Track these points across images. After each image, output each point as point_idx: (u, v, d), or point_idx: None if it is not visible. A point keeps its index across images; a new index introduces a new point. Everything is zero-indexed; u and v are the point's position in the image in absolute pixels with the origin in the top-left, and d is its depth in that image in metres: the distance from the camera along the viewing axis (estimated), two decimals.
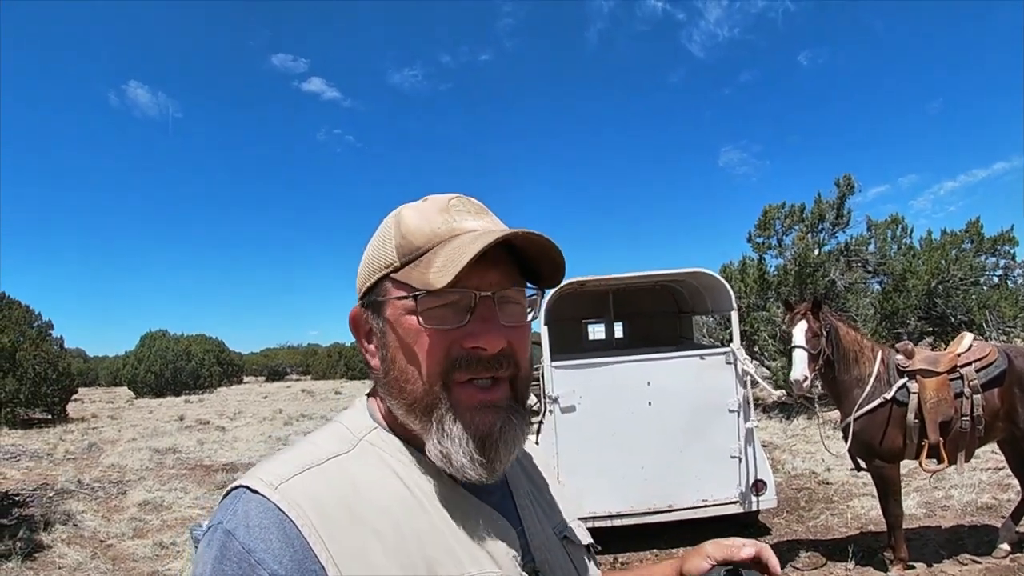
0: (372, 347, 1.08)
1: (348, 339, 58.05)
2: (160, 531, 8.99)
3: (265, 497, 0.89)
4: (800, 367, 5.89)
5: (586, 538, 1.24)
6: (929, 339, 15.24)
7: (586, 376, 7.04)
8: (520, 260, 1.07)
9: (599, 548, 1.28)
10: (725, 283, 7.61)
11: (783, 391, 6.61)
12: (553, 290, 7.50)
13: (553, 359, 7.14)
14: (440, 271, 0.95)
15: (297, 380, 55.92)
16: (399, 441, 1.04)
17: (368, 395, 1.15)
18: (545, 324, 7.30)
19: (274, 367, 61.47)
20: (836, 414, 9.71)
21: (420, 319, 0.98)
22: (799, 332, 5.99)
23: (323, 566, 0.86)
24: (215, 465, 13.70)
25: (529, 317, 1.08)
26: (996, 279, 16.83)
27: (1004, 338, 14.26)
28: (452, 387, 0.99)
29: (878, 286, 16.43)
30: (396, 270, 1.02)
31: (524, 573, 1.02)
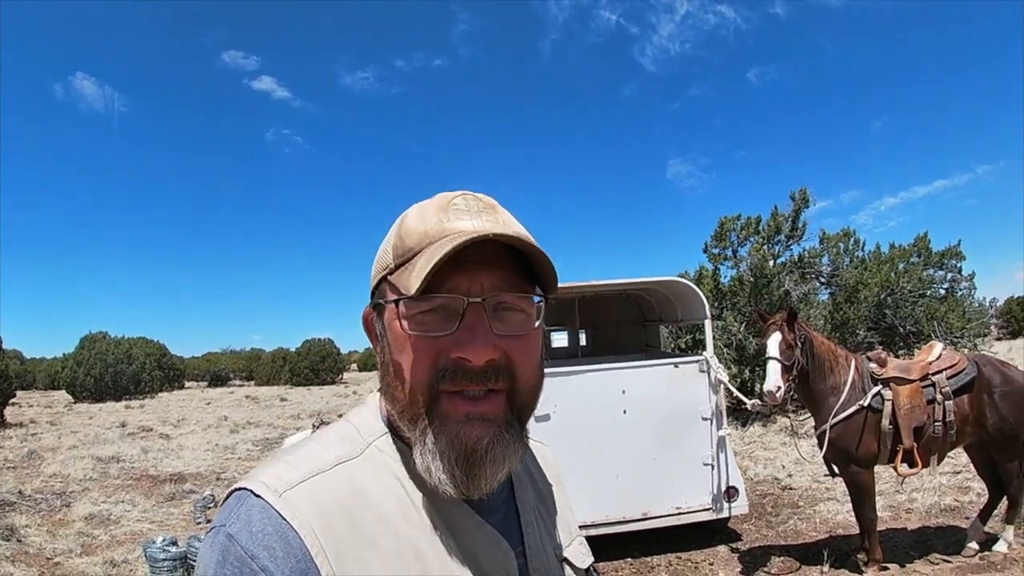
0: (378, 349, 1.04)
1: (292, 344, 57.40)
2: (110, 547, 8.65)
3: (268, 503, 0.87)
4: (774, 378, 5.97)
5: (586, 560, 1.22)
6: (878, 349, 15.57)
7: (561, 384, 7.04)
8: (527, 264, 1.00)
9: (596, 570, 1.26)
10: (699, 291, 7.71)
11: (756, 400, 6.67)
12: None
13: None
14: (416, 275, 0.90)
15: (240, 386, 54.90)
16: (407, 448, 0.98)
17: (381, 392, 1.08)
18: None
19: (216, 372, 60.31)
20: (786, 422, 9.92)
21: (404, 324, 0.94)
22: (773, 343, 6.07)
23: None
24: (162, 475, 13.36)
25: (536, 324, 1.01)
26: (943, 291, 17.28)
27: (951, 348, 14.60)
28: (440, 397, 0.94)
29: (827, 297, 16.75)
30: (391, 272, 0.99)
31: None
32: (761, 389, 6.23)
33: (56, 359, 51.28)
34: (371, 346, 1.07)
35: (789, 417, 7.18)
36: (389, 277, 0.99)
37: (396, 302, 0.95)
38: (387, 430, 1.03)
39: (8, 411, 24.80)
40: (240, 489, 0.91)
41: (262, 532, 0.85)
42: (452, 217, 0.97)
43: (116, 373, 40.21)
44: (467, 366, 0.92)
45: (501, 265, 0.96)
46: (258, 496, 0.88)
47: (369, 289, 1.07)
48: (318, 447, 0.98)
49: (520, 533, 1.07)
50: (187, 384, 56.18)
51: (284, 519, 0.86)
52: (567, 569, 1.15)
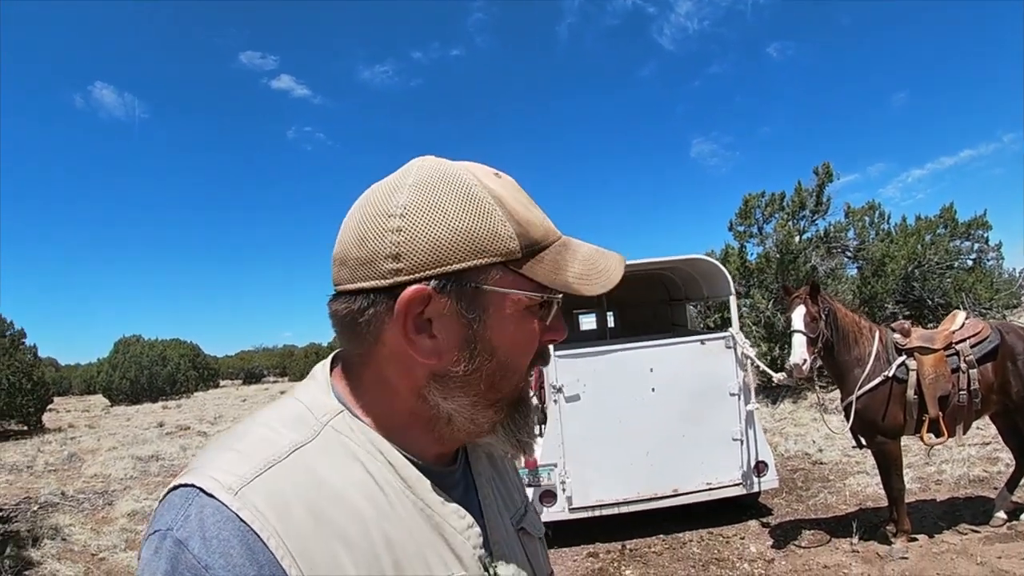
0: (426, 340, 0.90)
1: (324, 339, 57.70)
2: None
3: (223, 503, 0.78)
4: (799, 351, 6.01)
5: (540, 528, 1.23)
6: (901, 320, 15.41)
7: (589, 364, 7.14)
8: None
9: (551, 535, 1.30)
10: (723, 268, 7.77)
11: (783, 374, 6.70)
12: None
13: (555, 349, 7.17)
14: (584, 279, 0.93)
15: (275, 382, 55.30)
16: (369, 430, 0.94)
17: (332, 369, 1.02)
18: None
19: (251, 370, 60.82)
20: (816, 398, 9.92)
21: (539, 317, 0.94)
22: (797, 316, 6.10)
23: None
24: None
25: None
26: (970, 262, 17.07)
27: (975, 317, 14.49)
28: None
29: (856, 271, 16.64)
30: (518, 262, 0.91)
31: (485, 573, 0.98)
32: (787, 363, 6.25)
33: (91, 364, 51.55)
34: (406, 330, 0.89)
35: (816, 391, 7.17)
36: (512, 265, 0.91)
37: (550, 297, 0.93)
38: (342, 408, 0.95)
39: (46, 417, 25.04)
40: (185, 486, 0.82)
41: (218, 538, 0.76)
42: (533, 208, 0.97)
43: (151, 375, 40.32)
44: (548, 349, 1.00)
45: None
46: (210, 495, 0.79)
47: (438, 269, 0.88)
48: (268, 431, 0.90)
49: (479, 506, 1.05)
50: (222, 383, 56.52)
51: (243, 522, 0.77)
52: (524, 538, 1.15)
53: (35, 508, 10.51)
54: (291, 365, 56.79)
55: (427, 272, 0.87)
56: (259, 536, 0.77)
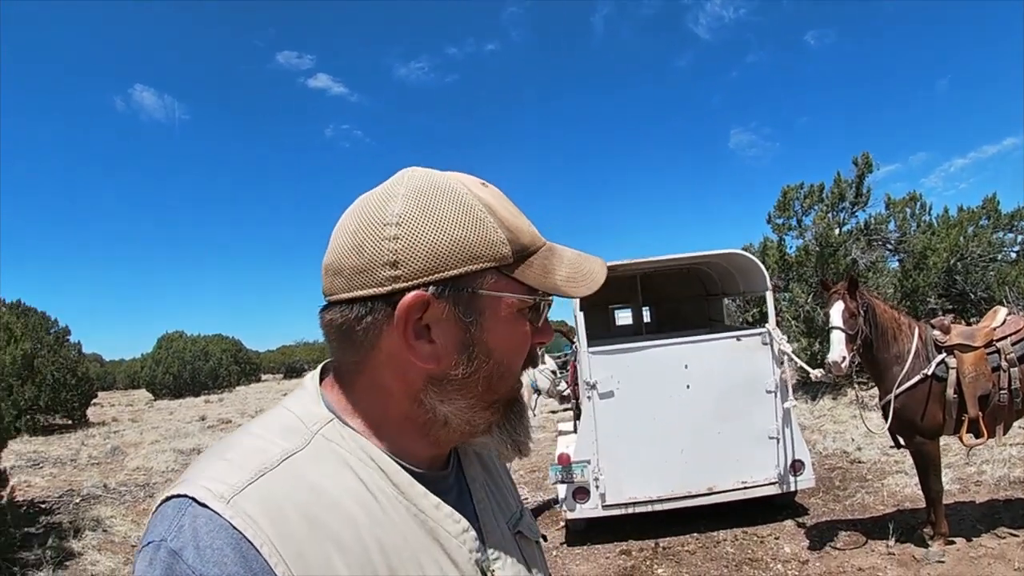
0: (424, 345, 0.92)
1: None
2: None
3: (216, 512, 0.78)
4: (838, 348, 5.90)
5: (536, 531, 1.23)
6: (941, 316, 15.16)
7: (624, 361, 7.09)
8: None
9: (546, 539, 1.31)
10: (759, 263, 7.66)
11: (821, 371, 6.60)
12: None
13: (589, 345, 7.16)
14: (572, 282, 0.98)
15: None
16: (360, 437, 0.94)
17: (321, 378, 1.03)
18: (580, 310, 7.30)
19: (291, 364, 61.12)
20: (861, 392, 9.78)
21: (530, 319, 0.98)
22: (836, 313, 5.99)
23: None
24: None
25: None
26: (1014, 255, 16.70)
27: (1017, 313, 14.20)
28: None
29: (897, 264, 16.40)
30: (509, 266, 0.94)
31: (481, 575, 0.99)
32: (826, 360, 6.15)
33: (135, 359, 52.61)
34: (406, 336, 0.90)
35: (855, 388, 7.05)
36: (505, 270, 0.94)
37: (540, 299, 0.98)
38: (332, 416, 0.95)
39: (91, 411, 25.51)
40: (178, 496, 0.82)
41: (211, 547, 0.77)
42: (520, 216, 1.00)
43: (194, 370, 41.01)
44: (536, 350, 1.03)
45: None
46: (202, 504, 0.79)
47: (434, 276, 0.90)
48: (259, 440, 0.90)
49: (474, 510, 1.06)
50: (263, 377, 57.19)
51: (236, 529, 0.78)
52: (520, 542, 1.14)
53: (78, 500, 10.67)
54: None
55: (425, 278, 0.89)
56: (252, 544, 0.77)
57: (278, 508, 0.81)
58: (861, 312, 5.94)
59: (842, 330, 5.92)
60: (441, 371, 0.93)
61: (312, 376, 1.03)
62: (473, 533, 1.00)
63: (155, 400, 37.75)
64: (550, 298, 0.99)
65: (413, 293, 0.89)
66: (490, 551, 1.03)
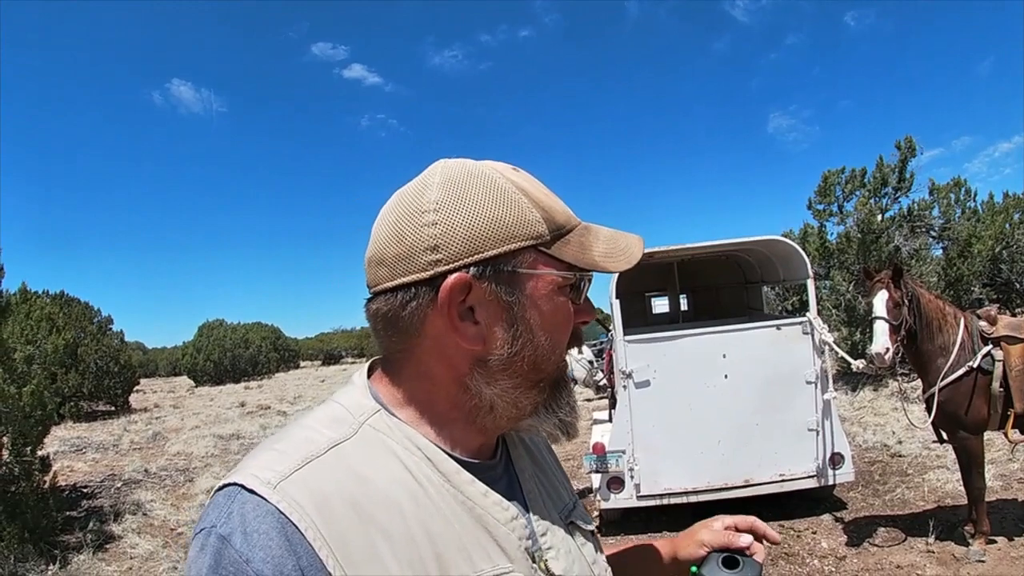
0: (470, 326, 0.93)
1: None
2: None
3: (263, 498, 0.81)
4: (881, 339, 5.72)
5: (590, 523, 1.21)
6: (988, 306, 14.85)
7: (660, 350, 6.98)
8: None
9: (602, 531, 1.24)
10: (799, 250, 7.48)
11: (862, 361, 6.45)
12: None
13: (625, 333, 7.06)
14: (610, 258, 0.99)
15: (352, 363, 56.03)
16: (406, 427, 0.96)
17: (369, 373, 1.05)
18: (616, 298, 7.22)
19: (330, 351, 61.92)
20: (898, 386, 9.57)
21: (571, 296, 0.99)
22: (879, 302, 5.80)
23: (330, 573, 0.79)
24: None
25: None
26: None
27: None
28: None
29: (940, 252, 16.08)
30: (546, 244, 0.96)
31: (534, 565, 0.98)
32: (868, 351, 5.97)
33: (177, 347, 53.35)
34: (451, 318, 0.92)
35: (898, 380, 6.86)
36: (541, 247, 0.96)
37: (580, 276, 0.99)
38: (380, 408, 0.97)
39: (133, 398, 25.88)
40: (229, 485, 0.84)
41: (258, 531, 0.78)
42: (553, 196, 1.02)
43: (234, 357, 41.51)
44: (580, 329, 1.04)
45: None
46: (251, 491, 0.81)
47: (475, 256, 0.92)
48: (307, 431, 0.92)
49: (523, 499, 1.06)
50: (302, 364, 57.87)
51: (282, 513, 0.79)
52: (574, 531, 1.13)
53: (119, 485, 10.89)
54: (368, 346, 57.02)
55: (465, 260, 0.91)
56: (298, 528, 0.79)
57: (323, 495, 0.83)
58: (905, 302, 5.76)
59: (886, 320, 5.74)
60: (486, 352, 0.95)
61: (360, 372, 1.05)
62: (523, 521, 1.00)
63: (196, 387, 38.24)
64: (590, 275, 1.00)
65: (455, 275, 0.90)
66: (541, 539, 1.03)
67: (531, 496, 1.07)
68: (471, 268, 0.91)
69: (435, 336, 0.94)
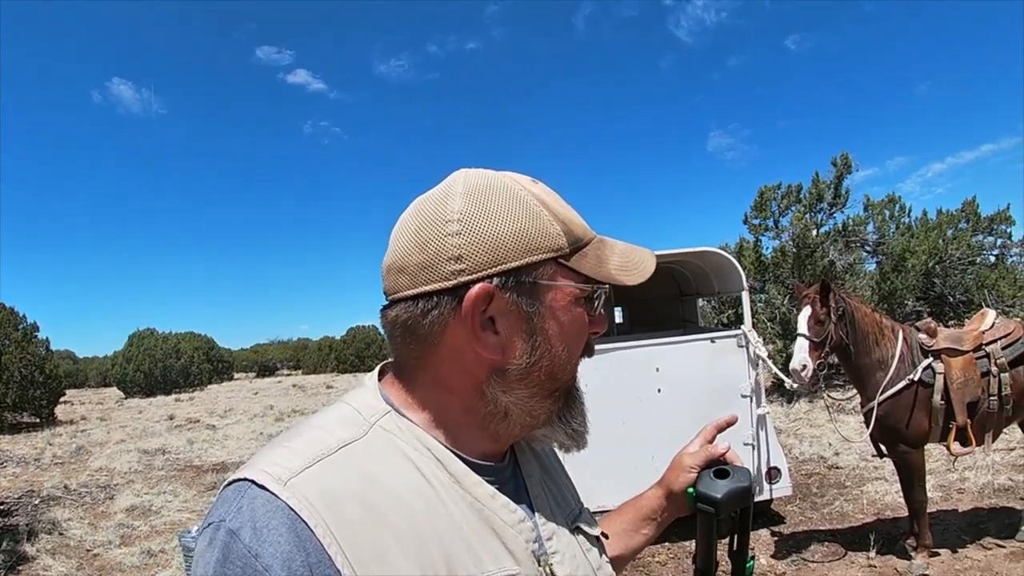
0: (492, 336, 0.94)
1: (338, 332, 58.14)
2: (148, 538, 8.72)
3: (273, 494, 0.80)
4: (800, 356, 5.74)
5: (596, 527, 1.21)
6: (927, 319, 15.16)
7: (592, 362, 6.51)
8: None
9: (608, 537, 1.26)
10: (735, 262, 7.37)
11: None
12: None
13: None
14: (624, 271, 1.00)
15: (288, 375, 55.41)
16: (417, 428, 0.96)
17: (380, 376, 1.05)
18: None
19: (264, 363, 61.18)
20: (839, 396, 9.56)
21: (586, 308, 0.99)
22: (803, 319, 5.81)
23: (339, 570, 0.78)
24: (205, 465, 13.46)
25: None
26: (993, 258, 16.75)
27: (1004, 316, 14.19)
28: None
29: (875, 266, 16.34)
30: (566, 256, 0.97)
31: (540, 567, 0.98)
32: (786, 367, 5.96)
33: (107, 357, 52.29)
34: (473, 327, 0.93)
35: (824, 397, 6.82)
36: (561, 259, 0.96)
37: (596, 288, 0.99)
38: (390, 409, 0.97)
39: (59, 409, 25.32)
40: (239, 480, 0.84)
41: (267, 527, 0.78)
42: (571, 209, 1.02)
43: (165, 368, 40.66)
44: (592, 340, 1.04)
45: None
46: (261, 486, 0.81)
47: (497, 268, 0.93)
48: (318, 431, 0.92)
49: (530, 503, 1.06)
50: (236, 375, 56.89)
51: (292, 509, 0.79)
52: (580, 536, 1.13)
53: (36, 502, 10.59)
54: (304, 358, 56.94)
55: (489, 271, 0.92)
56: (307, 524, 0.78)
57: (333, 492, 0.83)
58: (833, 318, 5.72)
59: (806, 337, 5.75)
60: (505, 361, 0.95)
61: (371, 375, 1.06)
62: (530, 524, 1.00)
63: (126, 399, 37.46)
64: (605, 287, 1.00)
65: (479, 285, 0.91)
66: (547, 543, 1.02)
67: (538, 500, 1.08)
68: (494, 279, 0.92)
69: (455, 345, 0.94)
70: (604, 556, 1.18)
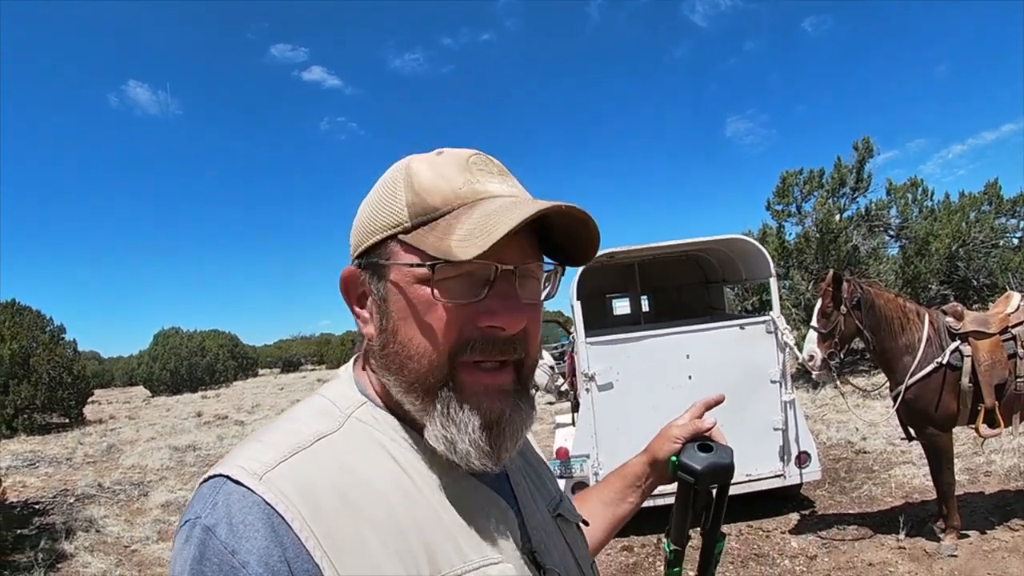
0: (365, 313, 0.98)
1: None
2: None
3: (249, 489, 0.79)
4: (808, 347, 6.07)
5: (578, 515, 1.22)
6: (953, 302, 15.06)
7: (623, 351, 6.88)
8: (542, 231, 0.98)
9: (588, 523, 1.27)
10: (762, 248, 7.43)
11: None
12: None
13: (587, 335, 6.95)
14: (465, 241, 0.85)
15: (312, 370, 55.86)
16: (392, 418, 0.95)
17: (355, 365, 1.05)
18: (578, 299, 7.10)
19: (288, 358, 61.62)
20: (860, 383, 9.59)
21: (435, 291, 0.89)
22: (816, 311, 6.10)
23: (317, 564, 0.78)
24: None
25: (543, 295, 0.99)
26: (1016, 241, 16.60)
27: None
28: (458, 368, 0.91)
29: (898, 251, 16.29)
30: (406, 231, 0.92)
31: (523, 556, 0.97)
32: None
33: (132, 356, 52.74)
34: (349, 307, 1.01)
35: (838, 384, 6.91)
36: (402, 236, 0.92)
37: (431, 267, 0.88)
38: (366, 400, 0.97)
39: (88, 409, 25.60)
40: (214, 476, 0.83)
41: (243, 523, 0.77)
42: (480, 178, 0.93)
43: (191, 366, 41.16)
44: (498, 335, 0.90)
45: (526, 231, 0.92)
46: (236, 482, 0.80)
47: (355, 248, 0.99)
48: (294, 423, 0.92)
49: (513, 494, 1.05)
50: (260, 372, 57.53)
51: (268, 504, 0.78)
52: (562, 524, 1.13)
53: (71, 500, 10.69)
54: (328, 353, 57.16)
55: (355, 253, 0.98)
56: (284, 519, 0.78)
57: (310, 485, 0.82)
58: (845, 309, 5.92)
59: (815, 329, 6.06)
60: (370, 344, 0.97)
61: (346, 366, 1.06)
62: (512, 513, 1.00)
63: (152, 397, 37.92)
64: (471, 266, 0.87)
65: (346, 267, 0.99)
66: (531, 532, 1.01)
67: (520, 489, 1.07)
68: (356, 260, 0.98)
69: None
70: (585, 544, 1.20)
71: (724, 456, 1.29)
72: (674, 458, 1.32)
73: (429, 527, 0.87)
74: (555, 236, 0.97)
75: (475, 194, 0.91)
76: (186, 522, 0.81)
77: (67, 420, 23.25)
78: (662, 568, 6.10)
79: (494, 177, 0.95)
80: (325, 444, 0.88)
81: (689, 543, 1.35)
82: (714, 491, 1.30)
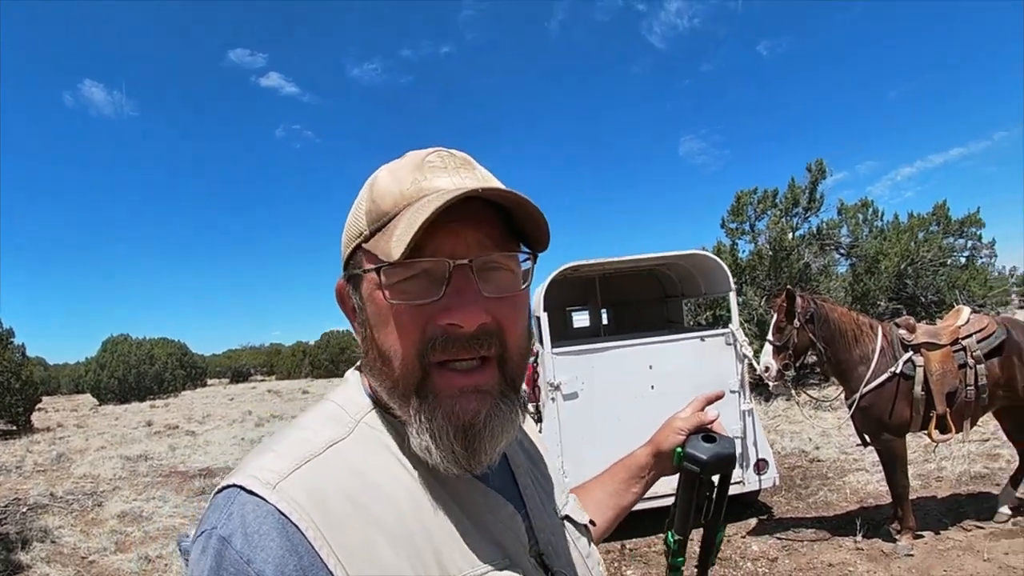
0: (356, 324, 0.99)
1: (311, 338, 57.95)
2: (143, 543, 8.66)
3: (263, 499, 0.80)
4: (764, 359, 6.39)
5: (584, 516, 1.24)
6: (906, 315, 15.40)
7: (588, 362, 7.03)
8: (511, 221, 0.96)
9: (595, 523, 1.31)
10: (722, 264, 7.62)
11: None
12: (550, 276, 7.56)
13: (553, 345, 7.09)
14: (398, 240, 0.85)
15: (262, 380, 55.18)
16: (399, 423, 0.94)
17: (359, 370, 1.05)
18: (544, 310, 7.23)
19: (238, 368, 60.91)
20: (815, 394, 9.85)
21: (385, 294, 0.90)
22: (771, 325, 6.41)
23: (331, 572, 0.79)
24: (190, 471, 13.38)
25: (523, 286, 0.97)
26: (964, 260, 17.08)
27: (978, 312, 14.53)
28: (431, 371, 0.90)
29: (848, 268, 16.71)
30: (366, 239, 0.94)
31: (532, 559, 0.99)
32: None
33: (79, 363, 51.60)
34: (345, 314, 1.04)
35: (793, 394, 7.15)
36: (364, 245, 0.94)
37: (377, 270, 0.90)
38: (374, 405, 0.98)
39: (35, 416, 24.95)
40: (228, 487, 0.84)
41: (258, 532, 0.78)
42: (429, 175, 0.93)
43: (139, 374, 40.26)
44: (458, 332, 0.88)
45: (486, 222, 0.92)
46: (250, 492, 0.82)
47: (341, 261, 1.02)
48: (305, 431, 0.92)
49: (520, 496, 1.06)
50: (209, 381, 56.66)
51: (282, 513, 0.79)
52: (568, 526, 1.16)
53: (24, 510, 10.44)
54: (278, 363, 56.67)
55: (342, 265, 1.02)
56: (298, 527, 0.79)
57: (323, 493, 0.83)
58: (799, 322, 6.19)
59: (770, 342, 6.39)
60: (361, 350, 0.99)
61: (353, 369, 1.07)
62: (519, 517, 1.01)
63: (100, 405, 36.95)
64: (423, 264, 0.89)
65: (339, 279, 1.03)
66: (538, 534, 1.03)
67: (527, 492, 1.08)
68: (344, 272, 1.01)
69: None
70: (592, 544, 1.21)
71: (728, 446, 1.31)
72: (679, 449, 1.34)
73: (438, 532, 0.88)
74: (527, 225, 0.95)
75: (419, 192, 0.91)
76: (202, 533, 0.82)
77: (14, 427, 22.68)
78: (628, 573, 6.22)
79: (447, 172, 0.94)
80: (336, 451, 0.89)
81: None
82: (716, 480, 1.34)
